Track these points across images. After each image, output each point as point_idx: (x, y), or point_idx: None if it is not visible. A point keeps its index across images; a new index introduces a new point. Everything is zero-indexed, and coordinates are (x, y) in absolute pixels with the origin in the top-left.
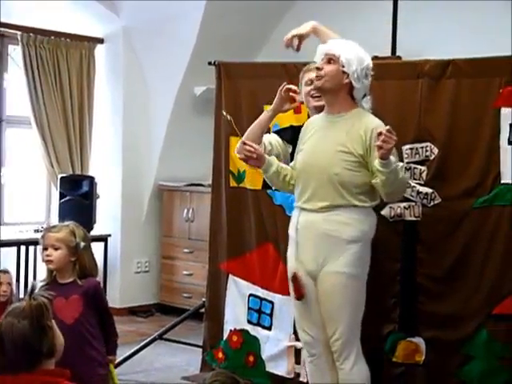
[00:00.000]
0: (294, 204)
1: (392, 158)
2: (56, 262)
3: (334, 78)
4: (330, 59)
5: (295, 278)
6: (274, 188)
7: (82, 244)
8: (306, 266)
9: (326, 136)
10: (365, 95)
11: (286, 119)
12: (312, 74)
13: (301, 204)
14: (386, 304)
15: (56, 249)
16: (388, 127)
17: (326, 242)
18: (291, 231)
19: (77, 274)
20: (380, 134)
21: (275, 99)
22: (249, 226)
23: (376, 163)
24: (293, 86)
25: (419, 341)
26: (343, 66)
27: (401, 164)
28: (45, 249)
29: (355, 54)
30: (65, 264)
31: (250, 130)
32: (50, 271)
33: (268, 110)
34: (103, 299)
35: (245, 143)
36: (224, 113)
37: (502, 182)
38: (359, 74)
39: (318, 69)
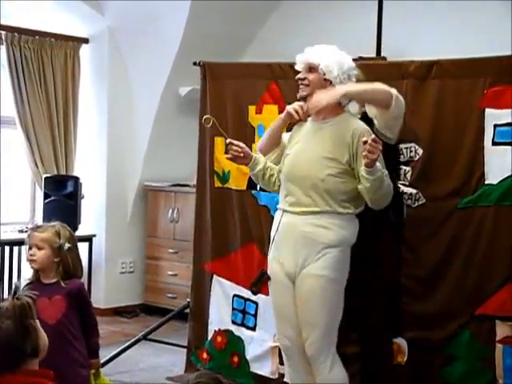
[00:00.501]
0: (278, 206)
1: (378, 164)
2: (39, 262)
3: (319, 87)
4: (311, 68)
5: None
6: (259, 186)
7: (67, 245)
8: (286, 267)
9: (311, 142)
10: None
11: None
12: None
13: (283, 207)
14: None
15: (40, 249)
16: (373, 136)
17: (306, 245)
18: (272, 232)
19: (60, 274)
20: (365, 142)
21: (285, 111)
22: (233, 227)
23: (361, 170)
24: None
25: (401, 341)
26: (324, 74)
27: (386, 172)
28: (29, 248)
29: (334, 59)
30: (48, 264)
31: (265, 139)
32: (35, 271)
33: (278, 117)
34: (87, 300)
35: (232, 143)
36: (206, 117)
37: (486, 182)
38: (341, 79)
39: (301, 79)
